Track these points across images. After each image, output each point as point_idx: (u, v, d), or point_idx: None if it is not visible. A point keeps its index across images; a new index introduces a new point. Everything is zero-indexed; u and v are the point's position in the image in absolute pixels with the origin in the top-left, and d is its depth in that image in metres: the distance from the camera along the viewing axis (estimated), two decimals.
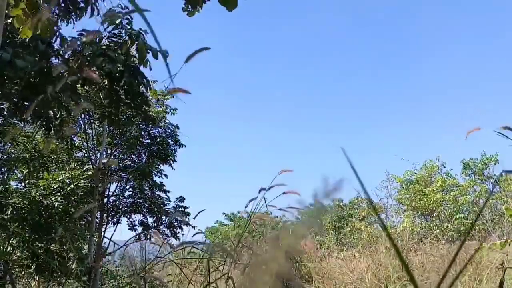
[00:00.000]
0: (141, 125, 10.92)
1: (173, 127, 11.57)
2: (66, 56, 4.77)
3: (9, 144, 10.00)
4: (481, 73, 34.29)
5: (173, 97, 12.65)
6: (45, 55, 4.29)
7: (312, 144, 41.17)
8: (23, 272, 10.43)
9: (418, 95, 37.15)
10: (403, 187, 17.79)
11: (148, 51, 5.05)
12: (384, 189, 18.97)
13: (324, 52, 44.73)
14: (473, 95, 34.00)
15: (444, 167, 18.39)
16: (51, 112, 4.92)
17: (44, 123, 4.93)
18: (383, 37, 41.23)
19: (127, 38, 5.01)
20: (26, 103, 4.38)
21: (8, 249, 9.20)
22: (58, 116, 4.72)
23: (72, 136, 10.96)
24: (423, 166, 18.18)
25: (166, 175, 11.42)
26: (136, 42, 4.92)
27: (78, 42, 4.44)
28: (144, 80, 5.05)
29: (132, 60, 5.19)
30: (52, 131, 4.97)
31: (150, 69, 5.10)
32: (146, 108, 6.10)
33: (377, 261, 10.94)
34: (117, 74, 4.71)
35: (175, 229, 11.09)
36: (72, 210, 9.37)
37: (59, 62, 4.81)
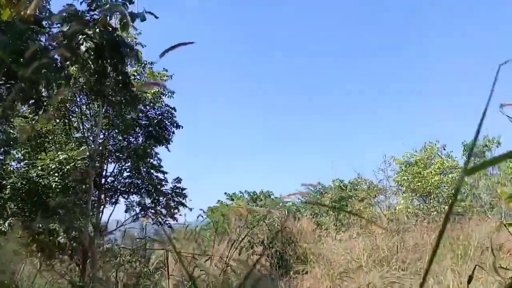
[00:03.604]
0: (139, 106, 10.90)
1: (171, 109, 11.53)
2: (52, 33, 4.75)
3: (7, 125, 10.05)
4: (485, 56, 33.78)
5: (171, 77, 12.63)
6: (22, 35, 4.27)
7: (310, 129, 41.06)
8: (24, 252, 10.62)
9: (420, 77, 36.81)
10: (402, 169, 17.76)
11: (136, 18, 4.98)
12: (382, 172, 18.92)
13: (322, 36, 44.20)
14: (475, 78, 33.58)
15: (444, 149, 18.30)
16: (43, 91, 4.91)
17: (33, 103, 4.95)
18: (385, 20, 40.61)
19: (106, 13, 4.92)
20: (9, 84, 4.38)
21: (7, 229, 9.36)
22: (46, 97, 4.73)
23: (70, 116, 10.98)
24: (423, 148, 18.08)
25: (160, 159, 11.48)
26: (117, 12, 4.86)
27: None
28: (128, 50, 4.99)
29: (116, 33, 5.10)
30: (42, 111, 4.99)
31: (127, 33, 5.00)
32: (132, 88, 6.09)
33: (373, 243, 11.01)
34: (97, 51, 4.68)
35: (172, 210, 11.21)
36: (70, 190, 9.49)
37: (46, 39, 4.80)
